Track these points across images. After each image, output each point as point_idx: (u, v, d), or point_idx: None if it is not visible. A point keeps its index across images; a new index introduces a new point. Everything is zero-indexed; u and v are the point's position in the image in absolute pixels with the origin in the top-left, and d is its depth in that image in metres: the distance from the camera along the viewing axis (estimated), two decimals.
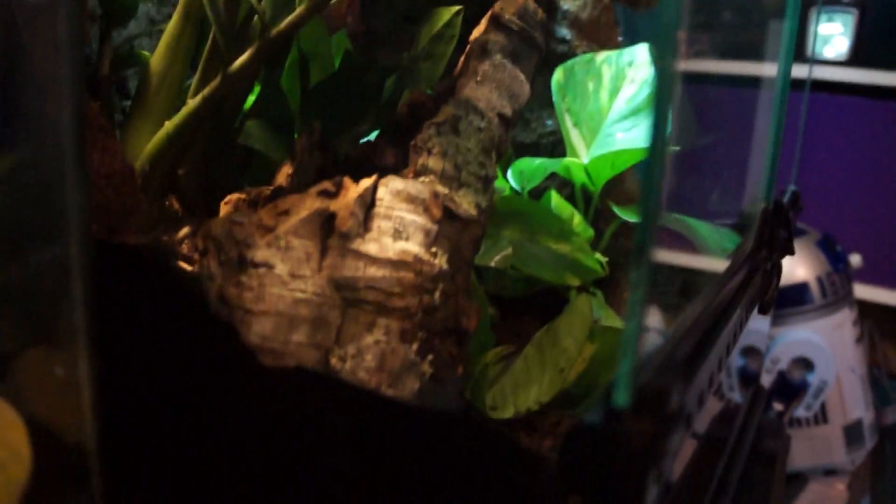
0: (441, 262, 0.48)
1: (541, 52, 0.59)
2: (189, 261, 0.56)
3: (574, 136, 0.77)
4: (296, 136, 0.65)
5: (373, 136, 0.65)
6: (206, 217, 0.63)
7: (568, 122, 0.77)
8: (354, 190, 0.49)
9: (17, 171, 0.35)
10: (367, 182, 0.49)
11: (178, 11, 0.58)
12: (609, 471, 0.28)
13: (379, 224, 0.48)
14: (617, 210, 0.70)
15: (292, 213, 0.48)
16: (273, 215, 0.48)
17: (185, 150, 0.58)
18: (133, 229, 0.50)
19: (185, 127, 0.56)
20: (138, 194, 0.49)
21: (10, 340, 0.39)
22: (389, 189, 0.49)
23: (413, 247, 0.47)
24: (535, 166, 0.73)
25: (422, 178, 0.51)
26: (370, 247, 0.46)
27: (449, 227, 0.50)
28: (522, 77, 0.57)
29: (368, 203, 0.48)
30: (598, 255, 0.71)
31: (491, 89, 0.55)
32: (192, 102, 0.55)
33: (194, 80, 0.59)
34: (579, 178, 0.75)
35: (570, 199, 0.77)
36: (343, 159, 0.60)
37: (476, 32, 0.61)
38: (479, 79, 0.55)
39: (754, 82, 0.99)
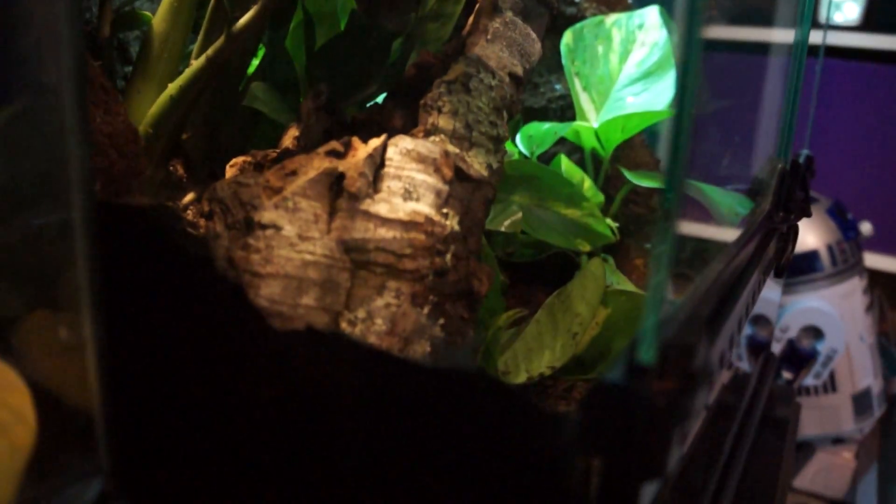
0: (452, 223, 0.47)
1: (552, 10, 0.58)
2: (194, 227, 0.55)
3: (584, 100, 0.75)
4: (302, 98, 0.63)
5: (380, 98, 0.64)
6: (212, 181, 0.62)
7: (577, 85, 0.76)
8: (363, 150, 0.48)
9: (17, 125, 0.34)
10: (376, 142, 0.48)
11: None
12: (632, 430, 0.28)
13: (389, 184, 0.47)
14: (627, 174, 0.69)
15: (300, 174, 0.47)
16: (280, 176, 0.47)
17: (189, 113, 0.57)
18: (137, 191, 0.49)
19: (188, 89, 0.54)
20: (142, 156, 0.48)
21: (14, 303, 0.38)
22: (399, 148, 0.48)
23: (424, 207, 0.46)
24: (545, 131, 0.72)
25: (432, 138, 0.49)
26: (380, 207, 0.45)
27: (460, 187, 0.49)
28: (534, 35, 0.55)
29: (378, 163, 0.47)
30: (608, 221, 0.70)
31: (502, 47, 0.54)
32: (195, 64, 0.54)
33: (197, 41, 0.58)
34: (589, 142, 0.73)
35: (580, 164, 0.76)
36: (350, 122, 0.59)
37: None
38: (489, 37, 0.54)
39: (766, 48, 0.98)
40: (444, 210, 0.47)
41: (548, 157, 0.74)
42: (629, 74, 0.76)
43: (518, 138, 0.74)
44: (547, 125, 0.73)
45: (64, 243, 0.38)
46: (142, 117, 0.56)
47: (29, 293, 0.39)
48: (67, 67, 0.32)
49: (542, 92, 0.79)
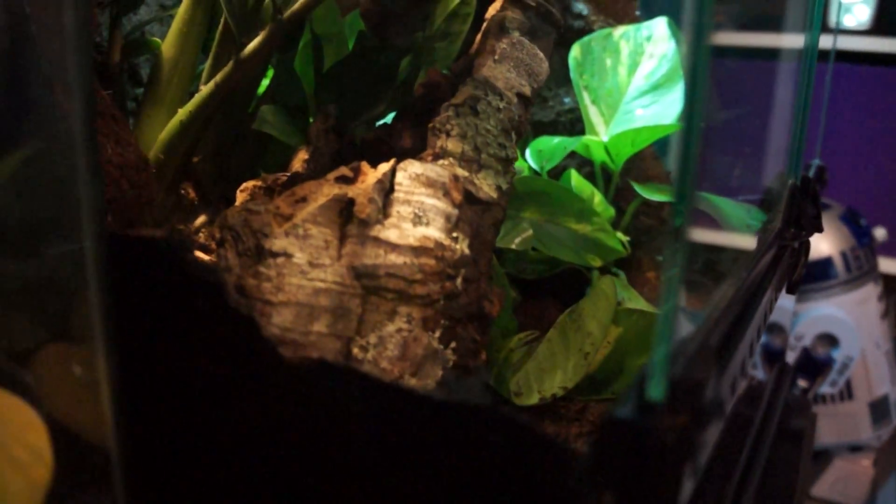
0: (462, 246, 0.47)
1: (559, 28, 0.58)
2: (206, 250, 0.55)
3: (593, 114, 0.75)
4: (311, 119, 0.64)
5: (389, 118, 0.64)
6: (223, 205, 0.62)
7: (586, 99, 0.75)
8: (373, 175, 0.48)
9: (29, 165, 0.34)
10: (385, 166, 0.48)
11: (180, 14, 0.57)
12: (643, 466, 0.28)
13: (398, 209, 0.47)
14: (638, 188, 0.69)
15: (310, 200, 0.47)
16: (290, 203, 0.47)
17: (199, 137, 0.57)
18: (149, 220, 0.49)
19: (198, 114, 0.55)
20: (153, 185, 0.49)
21: (28, 337, 0.39)
22: (408, 173, 0.48)
23: (434, 232, 0.46)
24: (554, 145, 0.72)
25: (441, 161, 0.49)
26: (390, 233, 0.45)
27: (470, 210, 0.49)
28: (541, 54, 0.55)
29: (387, 188, 0.47)
30: (619, 235, 0.70)
31: (509, 68, 0.54)
32: (204, 89, 0.54)
33: (206, 66, 0.58)
34: (599, 156, 0.73)
35: (590, 177, 0.76)
36: (359, 143, 0.59)
37: (492, 10, 0.60)
38: (496, 57, 0.54)
39: (776, 54, 0.98)
40: (454, 234, 0.47)
41: (558, 171, 0.74)
42: (638, 87, 0.76)
43: (528, 153, 0.74)
44: (556, 139, 0.73)
45: (76, 274, 0.38)
46: (153, 142, 0.57)
47: (43, 325, 0.39)
48: (78, 108, 0.32)
49: (551, 106, 0.79)
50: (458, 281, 0.47)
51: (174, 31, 0.57)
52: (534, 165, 0.73)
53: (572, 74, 0.75)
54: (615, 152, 0.72)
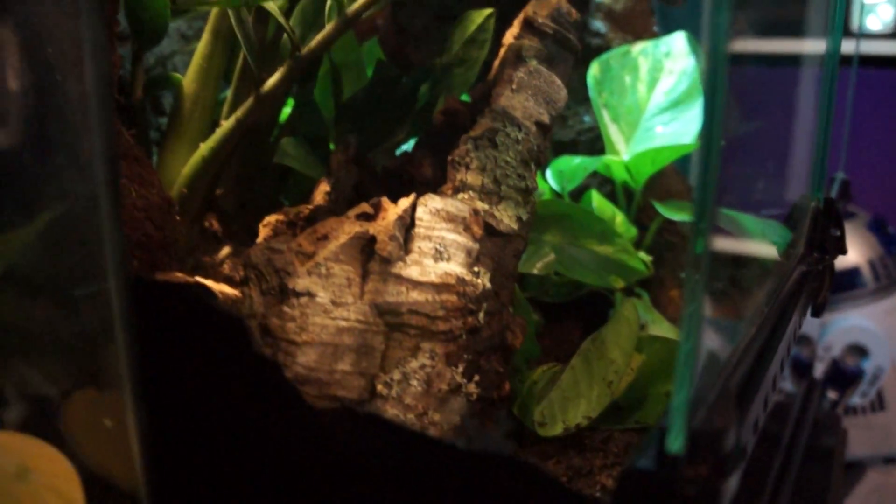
0: (484, 280, 0.48)
1: (576, 53, 0.58)
2: (231, 282, 0.56)
3: (613, 132, 0.75)
4: (331, 148, 0.64)
5: (409, 144, 0.65)
6: (246, 235, 0.63)
7: (606, 117, 0.75)
8: (393, 211, 0.48)
9: (55, 224, 0.35)
10: (405, 202, 0.48)
11: (207, 30, 0.58)
12: None
13: (420, 245, 0.47)
14: (660, 208, 0.69)
15: (331, 238, 0.47)
16: (312, 240, 0.48)
17: (222, 171, 0.58)
18: (174, 258, 0.50)
19: (219, 150, 0.55)
20: (177, 225, 0.49)
21: (58, 384, 0.40)
22: (429, 208, 0.48)
23: (455, 267, 0.46)
24: (575, 166, 0.72)
25: (461, 195, 0.50)
26: (412, 270, 0.46)
27: (490, 243, 0.49)
28: (559, 82, 0.55)
29: (408, 223, 0.48)
30: (642, 255, 0.70)
31: (527, 97, 0.54)
32: (225, 125, 0.55)
33: (227, 100, 0.59)
34: (620, 175, 0.73)
35: (612, 196, 0.76)
36: (380, 172, 0.60)
37: (509, 35, 0.60)
38: (514, 86, 0.54)
39: (796, 60, 0.97)
40: (475, 268, 0.47)
41: (579, 190, 0.74)
42: (657, 104, 0.76)
43: (549, 173, 0.74)
44: (577, 160, 0.73)
45: (103, 320, 0.39)
46: (176, 176, 0.57)
47: (73, 373, 0.40)
48: (99, 155, 0.33)
49: (570, 125, 0.79)
50: (481, 315, 0.47)
51: (194, 66, 0.58)
52: (555, 186, 0.73)
53: (591, 93, 0.75)
54: (636, 171, 0.72)
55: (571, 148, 0.78)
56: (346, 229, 0.47)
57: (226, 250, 0.62)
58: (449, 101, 0.61)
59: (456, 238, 0.47)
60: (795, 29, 0.95)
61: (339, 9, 0.49)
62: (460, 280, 0.46)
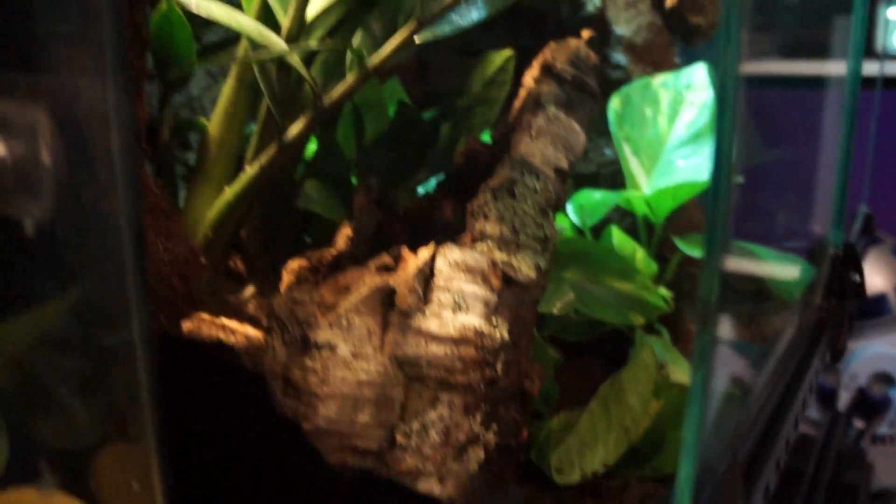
0: (502, 332, 0.48)
1: (595, 97, 0.59)
2: (255, 322, 0.57)
3: (633, 165, 0.75)
4: (354, 180, 0.65)
5: (431, 182, 0.66)
6: (270, 275, 0.64)
7: (626, 150, 0.76)
8: (413, 262, 0.49)
9: (83, 300, 0.36)
10: (425, 254, 0.49)
11: (231, 76, 0.59)
12: None
13: (439, 296, 0.48)
14: (680, 244, 0.69)
15: (353, 290, 0.48)
16: (334, 291, 0.49)
17: (246, 214, 0.59)
18: (199, 312, 0.51)
19: (244, 196, 0.56)
20: (203, 275, 0.50)
21: (85, 439, 0.41)
22: (448, 260, 0.49)
23: (473, 320, 0.47)
24: (596, 201, 0.72)
25: (480, 244, 0.50)
26: (431, 323, 0.46)
27: (509, 294, 0.50)
28: (578, 128, 0.56)
29: (428, 275, 0.48)
30: (662, 290, 0.70)
31: (546, 144, 0.55)
32: (249, 171, 0.56)
33: (251, 144, 0.60)
34: (641, 209, 0.73)
35: (633, 229, 0.76)
36: (402, 214, 0.60)
37: (528, 77, 0.60)
38: (533, 133, 0.54)
39: (820, 82, 0.96)
40: (494, 319, 0.48)
41: (600, 224, 0.75)
42: (679, 136, 0.76)
43: (570, 207, 0.74)
44: (598, 195, 0.74)
45: (127, 374, 0.40)
46: (201, 218, 0.58)
47: (99, 427, 0.41)
48: (125, 215, 0.34)
49: (591, 157, 0.79)
50: (498, 366, 0.48)
51: (220, 110, 0.59)
52: (576, 221, 0.73)
53: (612, 127, 0.76)
54: (656, 207, 0.72)
55: (592, 181, 0.79)
56: (367, 281, 0.48)
57: (250, 290, 0.63)
58: (470, 143, 0.62)
59: (474, 290, 0.48)
60: (817, 50, 0.95)
61: (360, 61, 0.50)
62: (478, 333, 0.47)
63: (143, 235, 0.40)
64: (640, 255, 0.71)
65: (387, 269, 0.49)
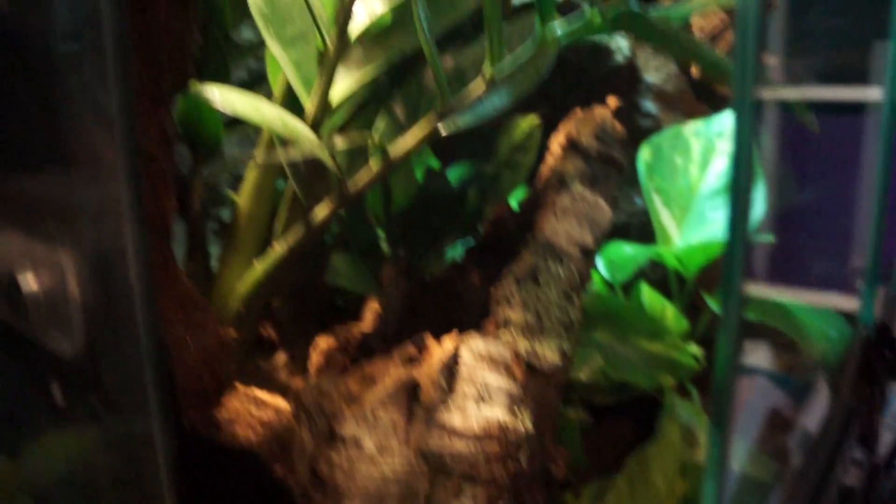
0: (526, 423, 0.48)
1: (621, 168, 0.58)
2: (285, 391, 0.58)
3: (664, 217, 0.75)
4: (383, 245, 0.66)
5: (457, 246, 0.66)
6: (301, 340, 0.65)
7: (657, 201, 0.75)
8: (438, 353, 0.49)
9: (112, 442, 0.37)
10: (449, 344, 0.50)
11: (260, 150, 0.59)
12: None
13: (463, 388, 0.48)
14: (710, 302, 0.69)
15: (378, 381, 0.49)
16: (359, 382, 0.49)
17: (276, 289, 0.60)
18: (232, 387, 0.52)
19: (272, 272, 0.57)
20: (231, 365, 0.51)
21: None
22: (472, 351, 0.49)
23: (497, 412, 0.47)
24: (626, 257, 0.72)
25: (504, 332, 0.51)
26: (455, 418, 0.47)
27: (533, 382, 0.50)
28: (603, 204, 0.56)
29: (452, 367, 0.49)
30: (692, 348, 0.70)
31: (571, 223, 0.54)
32: (278, 249, 0.57)
33: (280, 217, 0.60)
34: (672, 263, 0.73)
35: (664, 281, 0.76)
36: (429, 283, 0.61)
37: (555, 143, 0.60)
38: (558, 213, 0.54)
39: (858, 109, 0.94)
40: (517, 411, 0.48)
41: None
42: (710, 186, 0.75)
43: (600, 261, 0.74)
44: (629, 249, 0.73)
45: (151, 470, 0.41)
46: (232, 289, 0.59)
47: None
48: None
49: (622, 207, 0.79)
50: (522, 459, 0.48)
51: (248, 185, 0.60)
52: (605, 275, 0.73)
53: (641, 179, 0.75)
54: (687, 262, 0.71)
55: (623, 232, 0.78)
56: (392, 374, 0.49)
57: (281, 357, 0.64)
58: (497, 210, 0.62)
59: (498, 382, 0.48)
60: (854, 75, 0.93)
61: (384, 153, 0.50)
62: (502, 428, 0.47)
63: (165, 368, 0.41)
64: (670, 313, 0.70)
65: (411, 361, 0.50)
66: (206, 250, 0.61)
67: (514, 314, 0.51)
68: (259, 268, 0.58)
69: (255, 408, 0.57)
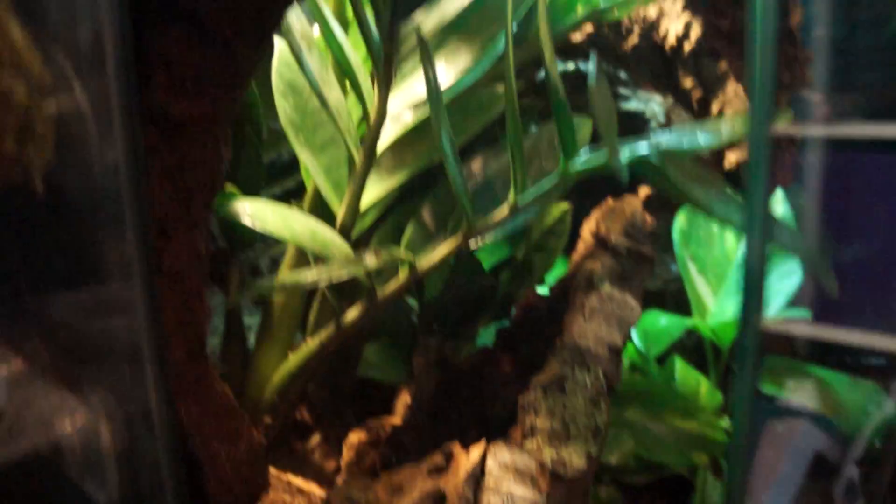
0: None
1: (651, 262, 0.58)
2: (320, 476, 0.59)
3: (699, 285, 0.74)
4: (414, 334, 0.67)
5: (490, 328, 0.66)
6: (336, 421, 0.66)
7: (692, 270, 0.75)
8: (464, 463, 0.50)
9: None
10: (476, 454, 0.50)
11: (289, 253, 0.61)
12: None
13: (489, 499, 0.49)
14: None
15: (405, 491, 0.50)
16: (388, 490, 0.50)
17: (309, 379, 0.61)
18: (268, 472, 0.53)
19: (305, 366, 0.59)
20: (265, 472, 0.53)
21: None
22: (498, 461, 0.50)
23: None
24: (661, 329, 0.72)
25: (529, 442, 0.51)
26: None
27: (558, 491, 0.50)
28: (632, 302, 0.56)
29: (478, 477, 0.50)
30: (726, 422, 0.69)
31: (599, 324, 0.55)
32: (311, 344, 0.58)
33: (312, 312, 0.62)
34: (707, 334, 0.73)
35: (699, 347, 0.75)
36: (460, 372, 0.62)
37: (586, 229, 0.61)
38: (586, 314, 0.55)
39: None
40: None
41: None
42: None
43: (634, 332, 0.74)
44: (664, 320, 0.73)
45: None
46: (268, 379, 0.61)
47: None
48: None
49: (657, 273, 0.79)
50: None
51: (282, 276, 0.61)
52: (639, 346, 0.73)
53: (676, 248, 0.75)
54: (722, 335, 0.71)
55: (658, 299, 0.78)
56: (419, 485, 0.50)
57: (316, 438, 0.66)
58: (528, 296, 0.62)
59: (523, 493, 0.49)
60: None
61: (411, 266, 0.51)
62: None
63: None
64: (704, 388, 0.70)
65: (438, 471, 0.50)
66: (243, 336, 0.63)
67: (541, 422, 0.51)
68: (293, 360, 0.59)
69: (289, 497, 0.58)
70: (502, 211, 0.49)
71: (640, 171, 0.46)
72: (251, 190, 0.58)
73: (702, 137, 0.48)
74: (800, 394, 0.67)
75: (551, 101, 0.44)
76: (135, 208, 0.37)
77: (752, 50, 0.35)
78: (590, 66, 0.40)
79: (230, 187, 0.57)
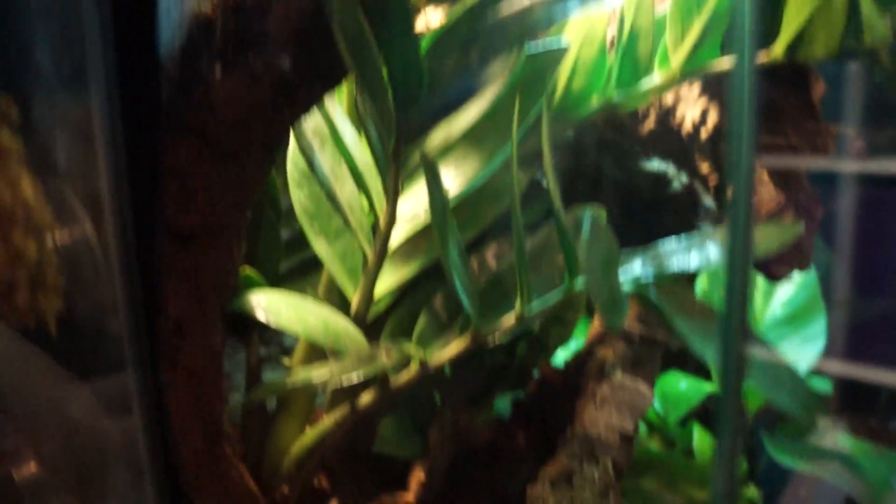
0: None
1: (664, 346, 0.58)
2: None
3: None
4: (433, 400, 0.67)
5: (505, 399, 0.67)
6: (354, 488, 0.67)
7: None
8: None
9: None
10: None
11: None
12: None
13: None
14: (768, 445, 0.68)
15: None
16: None
17: (328, 449, 0.62)
18: None
19: (321, 440, 0.60)
20: None
21: None
22: None
23: None
24: (680, 393, 0.72)
25: None
26: None
27: None
28: (644, 389, 0.56)
29: None
30: (750, 490, 0.69)
31: (610, 412, 0.55)
32: (327, 421, 0.59)
33: (327, 394, 0.62)
34: None
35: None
36: (475, 448, 0.62)
37: (596, 317, 0.61)
38: (597, 402, 0.55)
39: None
40: None
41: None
42: (774, 315, 0.74)
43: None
44: (683, 384, 0.73)
45: None
46: (285, 449, 0.62)
47: None
48: None
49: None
50: None
51: (299, 352, 0.62)
52: (658, 409, 0.73)
53: None
54: (746, 399, 0.71)
55: (680, 360, 0.78)
56: None
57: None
58: (544, 369, 0.63)
59: None
60: None
61: (423, 365, 0.52)
62: None
63: None
64: None
65: None
66: (265, 418, 0.64)
67: None
68: (310, 435, 0.60)
69: None
70: (510, 318, 0.49)
71: (639, 297, 0.46)
72: (269, 266, 0.59)
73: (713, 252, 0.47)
74: (818, 472, 0.66)
75: (551, 211, 0.44)
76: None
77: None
78: (584, 224, 0.40)
79: (248, 270, 0.58)
